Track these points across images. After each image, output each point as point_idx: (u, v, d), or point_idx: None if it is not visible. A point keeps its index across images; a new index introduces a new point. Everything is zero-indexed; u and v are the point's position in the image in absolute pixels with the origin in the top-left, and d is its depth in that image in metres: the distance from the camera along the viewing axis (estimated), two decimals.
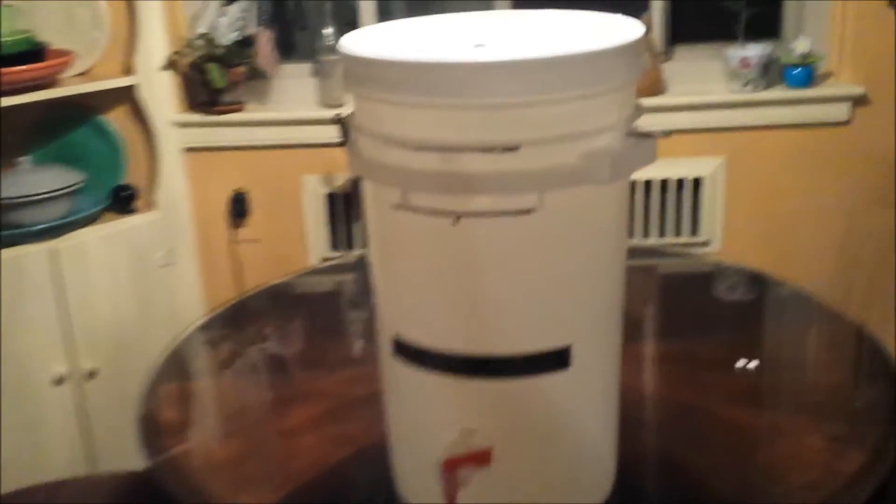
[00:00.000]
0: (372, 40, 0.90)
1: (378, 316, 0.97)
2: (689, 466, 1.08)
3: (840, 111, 2.18)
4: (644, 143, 0.87)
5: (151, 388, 1.30)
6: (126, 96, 2.15)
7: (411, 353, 0.92)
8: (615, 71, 0.83)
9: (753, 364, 1.26)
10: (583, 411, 0.95)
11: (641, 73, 0.86)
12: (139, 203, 2.19)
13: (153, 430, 1.20)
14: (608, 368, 0.97)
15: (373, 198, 0.92)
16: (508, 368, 0.89)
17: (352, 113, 0.92)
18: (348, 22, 2.34)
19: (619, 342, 0.98)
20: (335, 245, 2.35)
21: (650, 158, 0.88)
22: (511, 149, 0.81)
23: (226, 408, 1.33)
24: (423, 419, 0.96)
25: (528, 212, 0.83)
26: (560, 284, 0.88)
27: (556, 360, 0.90)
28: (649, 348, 1.38)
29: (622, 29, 0.87)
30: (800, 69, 2.16)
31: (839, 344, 1.40)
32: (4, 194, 1.95)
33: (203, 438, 1.23)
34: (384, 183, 0.87)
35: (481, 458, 0.91)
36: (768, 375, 1.27)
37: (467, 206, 0.83)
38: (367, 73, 0.84)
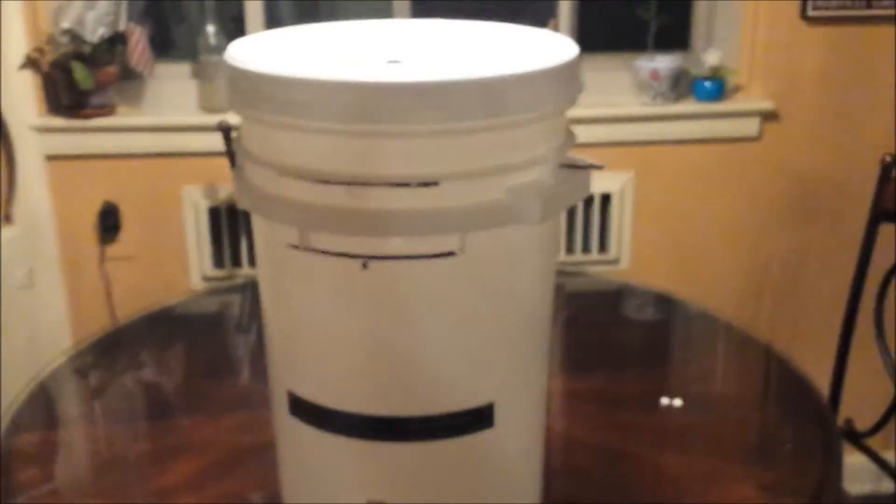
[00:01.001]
0: (265, 50, 0.78)
1: (271, 368, 0.85)
2: None
3: (750, 126, 2.16)
4: (576, 175, 0.78)
5: (7, 436, 1.15)
6: None
7: (310, 413, 0.81)
8: (549, 96, 0.73)
9: (674, 402, 1.20)
10: (507, 472, 0.86)
11: (577, 98, 0.77)
12: None
13: (8, 487, 1.06)
14: (534, 421, 0.88)
15: (264, 235, 0.79)
16: (424, 430, 0.79)
17: (239, 135, 0.79)
18: (233, 16, 2.19)
19: (545, 394, 0.88)
20: (219, 263, 2.19)
21: (583, 193, 0.79)
22: (429, 183, 0.70)
23: (94, 460, 1.18)
24: (324, 484, 0.84)
25: (448, 255, 0.73)
26: (484, 335, 0.77)
27: (479, 418, 0.80)
28: (565, 384, 1.30)
29: (553, 47, 0.78)
30: (710, 82, 2.13)
31: (756, 372, 1.37)
32: None
33: (65, 499, 1.07)
34: (279, 220, 0.75)
35: None
36: (690, 413, 1.21)
37: (378, 249, 0.72)
38: (260, 91, 0.71)
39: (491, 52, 0.80)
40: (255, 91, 0.72)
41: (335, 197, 0.71)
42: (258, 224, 0.79)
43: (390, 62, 0.74)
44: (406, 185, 0.70)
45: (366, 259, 0.72)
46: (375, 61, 0.76)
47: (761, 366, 1.38)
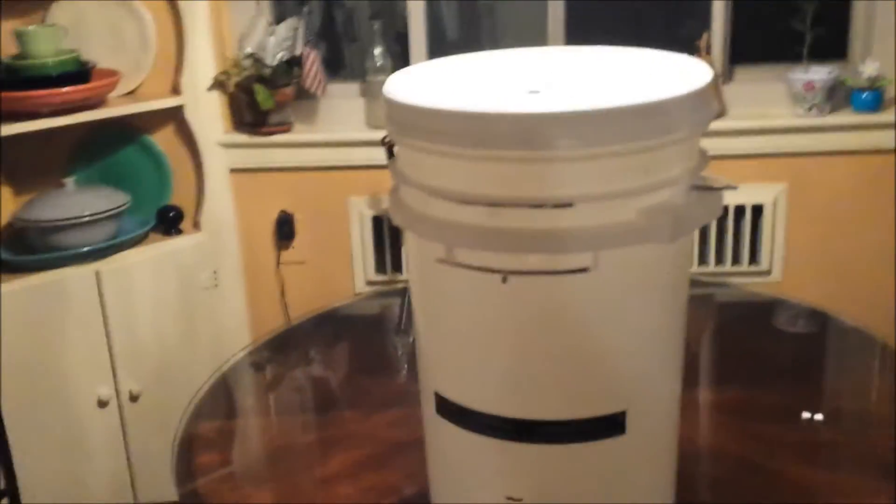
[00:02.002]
0: (418, 83, 0.85)
1: (420, 370, 0.92)
2: None
3: None
4: (709, 196, 0.81)
5: (190, 423, 1.27)
6: (173, 116, 2.14)
7: (454, 413, 0.87)
8: (681, 121, 0.76)
9: (816, 416, 1.18)
10: (638, 479, 0.89)
11: (710, 122, 0.80)
12: (185, 224, 2.17)
13: (189, 469, 1.17)
14: (666, 431, 0.90)
15: (416, 249, 0.86)
16: (558, 434, 0.83)
17: (395, 159, 0.87)
18: (398, 35, 2.30)
19: (678, 403, 0.91)
20: (381, 268, 2.31)
21: (715, 213, 0.82)
22: (564, 205, 0.75)
23: (264, 448, 1.30)
24: (466, 480, 0.90)
25: (582, 271, 0.77)
26: (615, 347, 0.82)
27: (611, 425, 0.83)
28: (705, 395, 1.31)
29: (688, 72, 0.81)
30: (868, 93, 2.06)
31: None
32: (49, 216, 1.94)
33: (238, 483, 1.20)
34: (427, 237, 0.82)
35: None
36: (831, 428, 1.20)
37: (516, 264, 0.78)
38: (412, 120, 0.79)
39: (627, 80, 0.84)
40: (408, 121, 0.79)
41: (477, 216, 0.77)
42: (410, 239, 0.87)
43: (531, 92, 0.80)
44: (542, 206, 0.75)
45: (505, 274, 0.78)
46: (517, 91, 0.81)
47: None
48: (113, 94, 2.07)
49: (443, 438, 0.91)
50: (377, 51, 2.21)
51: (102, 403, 2.02)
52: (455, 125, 0.75)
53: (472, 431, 0.86)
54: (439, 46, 2.29)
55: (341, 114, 2.27)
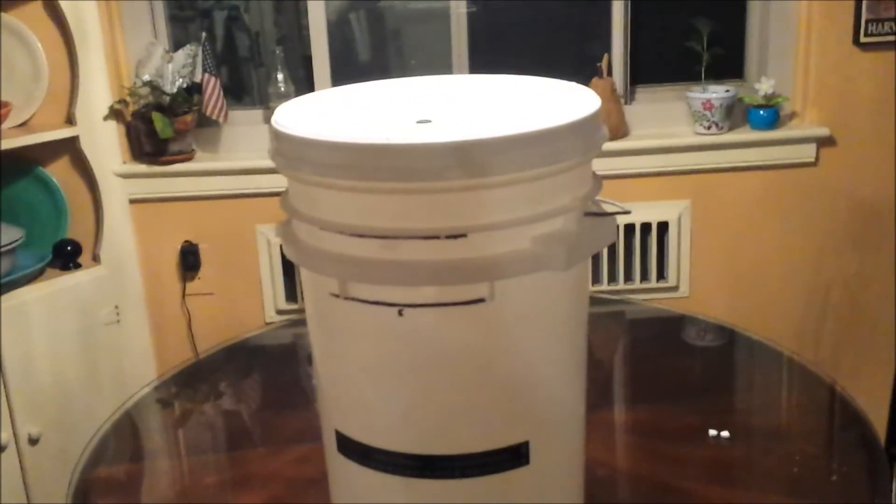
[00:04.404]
0: (307, 113, 0.83)
1: (321, 407, 0.90)
2: None
3: (806, 152, 2.15)
4: (603, 222, 0.81)
5: (88, 467, 1.23)
6: (68, 147, 2.07)
7: (355, 451, 0.85)
8: (571, 149, 0.76)
9: (724, 434, 1.20)
10: None
11: (600, 148, 0.80)
12: (83, 258, 2.09)
13: None
14: (571, 459, 0.90)
15: (310, 284, 0.84)
16: (461, 468, 0.82)
17: (285, 193, 0.85)
18: (305, 60, 2.27)
19: (583, 430, 0.91)
20: (291, 297, 2.27)
21: (609, 238, 0.82)
22: (457, 235, 0.74)
23: (170, 490, 1.25)
24: None
25: (478, 301, 0.76)
26: (516, 377, 0.81)
27: (514, 456, 0.83)
28: (614, 416, 1.31)
29: (576, 99, 0.81)
30: (764, 110, 2.12)
31: (812, 406, 1.35)
32: None
33: None
34: (320, 271, 0.80)
35: None
36: (740, 446, 1.21)
37: (412, 297, 0.76)
38: (299, 152, 0.77)
39: (518, 108, 0.83)
40: (296, 153, 0.77)
41: (371, 249, 0.76)
42: (304, 274, 0.85)
43: (420, 122, 0.79)
44: (435, 237, 0.74)
45: (401, 307, 0.77)
46: (407, 121, 0.80)
47: (815, 397, 1.37)
48: (4, 126, 1.99)
49: (345, 476, 0.89)
50: (280, 76, 2.19)
51: (0, 448, 1.93)
52: (342, 157, 0.74)
53: (375, 469, 0.84)
54: (347, 70, 2.28)
55: (245, 141, 2.24)
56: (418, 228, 0.74)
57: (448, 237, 0.74)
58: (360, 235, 0.76)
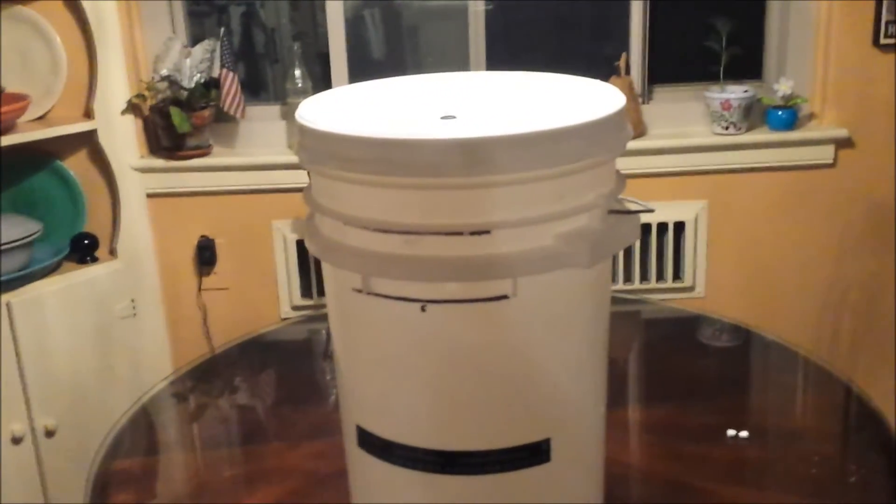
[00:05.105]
0: (331, 109, 0.83)
1: (341, 401, 0.90)
2: None
3: (824, 153, 2.14)
4: (626, 220, 0.81)
5: (106, 460, 1.23)
6: (86, 141, 2.07)
7: (376, 446, 0.85)
8: (596, 146, 0.76)
9: (742, 434, 1.19)
10: None
11: (624, 146, 0.80)
12: (100, 252, 2.10)
13: None
14: (591, 456, 0.90)
15: (333, 279, 0.84)
16: (482, 464, 0.82)
17: (308, 187, 0.85)
18: (321, 56, 2.28)
19: (603, 427, 0.91)
20: (307, 292, 2.27)
21: (633, 237, 0.82)
22: (480, 232, 0.74)
23: (185, 485, 1.25)
24: None
25: (501, 298, 0.76)
26: (538, 374, 0.81)
27: (535, 454, 0.83)
28: (632, 415, 1.31)
29: (601, 97, 0.81)
30: (783, 111, 2.11)
31: (829, 406, 1.34)
32: None
33: None
34: (343, 266, 0.80)
35: None
36: (758, 446, 1.20)
37: (434, 293, 0.76)
38: (324, 147, 0.77)
39: (541, 105, 0.83)
40: (321, 148, 0.77)
41: (394, 245, 0.76)
42: (326, 269, 0.85)
43: (445, 117, 0.79)
44: (459, 233, 0.74)
45: (424, 303, 0.76)
46: (431, 117, 0.80)
47: (832, 397, 1.36)
48: (23, 119, 2.00)
49: (365, 472, 0.89)
50: (297, 72, 2.19)
51: (16, 440, 1.94)
52: (367, 152, 0.74)
53: (395, 465, 0.84)
54: (363, 67, 2.28)
55: (262, 136, 2.24)
56: (442, 224, 0.74)
57: (472, 233, 0.74)
58: (384, 231, 0.76)
